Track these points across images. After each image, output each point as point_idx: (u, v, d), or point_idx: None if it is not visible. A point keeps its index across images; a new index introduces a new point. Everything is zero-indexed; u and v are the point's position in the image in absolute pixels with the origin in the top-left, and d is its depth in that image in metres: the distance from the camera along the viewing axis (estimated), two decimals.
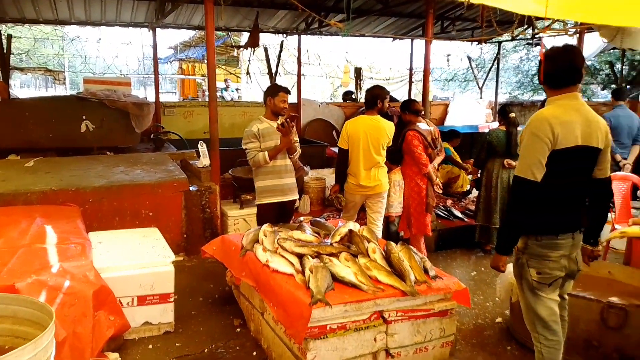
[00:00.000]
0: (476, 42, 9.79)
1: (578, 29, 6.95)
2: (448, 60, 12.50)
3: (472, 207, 5.96)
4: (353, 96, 12.45)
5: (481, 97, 12.60)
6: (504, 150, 5.04)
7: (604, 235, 4.97)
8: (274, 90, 4.26)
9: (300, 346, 2.75)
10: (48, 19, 8.21)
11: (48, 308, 2.41)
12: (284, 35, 9.60)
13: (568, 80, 2.46)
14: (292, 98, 8.96)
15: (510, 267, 2.76)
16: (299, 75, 10.15)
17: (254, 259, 3.30)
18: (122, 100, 6.61)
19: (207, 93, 5.35)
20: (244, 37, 11.35)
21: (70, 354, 2.72)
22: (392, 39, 10.29)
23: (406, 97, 9.53)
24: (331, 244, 3.36)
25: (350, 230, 3.49)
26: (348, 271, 3.00)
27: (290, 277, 3.03)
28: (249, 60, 11.22)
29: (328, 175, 6.46)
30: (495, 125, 5.32)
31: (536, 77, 2.65)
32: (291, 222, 4.32)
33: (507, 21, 6.69)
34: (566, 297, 2.73)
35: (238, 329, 3.64)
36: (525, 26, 7.05)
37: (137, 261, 3.49)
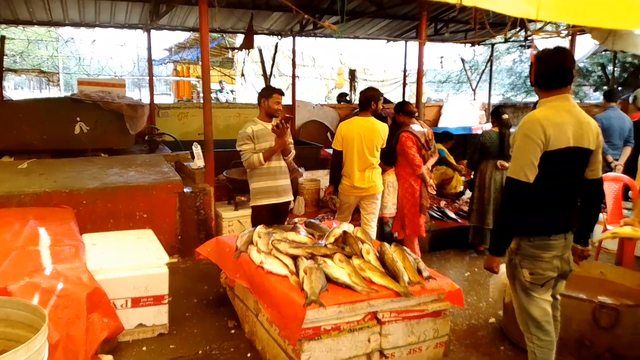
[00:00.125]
0: (469, 44, 9.84)
1: (570, 31, 7.01)
2: (441, 62, 12.55)
3: (466, 208, 5.99)
4: (347, 98, 12.47)
5: (474, 99, 12.66)
6: (496, 152, 5.07)
7: (596, 235, 5.03)
8: (268, 92, 4.27)
9: (294, 347, 2.75)
10: (42, 20, 8.18)
11: (41, 310, 2.40)
12: (279, 37, 9.62)
13: (559, 82, 2.48)
14: (287, 99, 9.00)
15: (503, 268, 2.78)
16: (294, 76, 10.16)
17: (248, 261, 3.30)
18: (116, 102, 6.60)
19: (201, 95, 5.35)
20: (239, 38, 11.35)
21: (64, 357, 2.71)
22: (386, 40, 10.33)
23: (400, 99, 9.57)
24: (325, 245, 3.36)
25: (345, 232, 3.50)
26: (342, 272, 3.01)
27: (285, 278, 3.04)
28: (244, 62, 11.23)
29: (323, 177, 6.47)
30: (489, 126, 5.35)
31: (529, 79, 2.66)
32: (286, 223, 4.32)
33: (500, 23, 6.74)
34: (559, 297, 2.75)
35: (232, 331, 3.64)
36: (518, 28, 7.10)
37: (131, 263, 3.47)
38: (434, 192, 4.92)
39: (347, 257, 3.19)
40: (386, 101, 9.80)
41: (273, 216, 4.30)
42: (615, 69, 13.05)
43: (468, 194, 6.42)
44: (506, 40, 10.15)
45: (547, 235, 2.51)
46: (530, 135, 2.39)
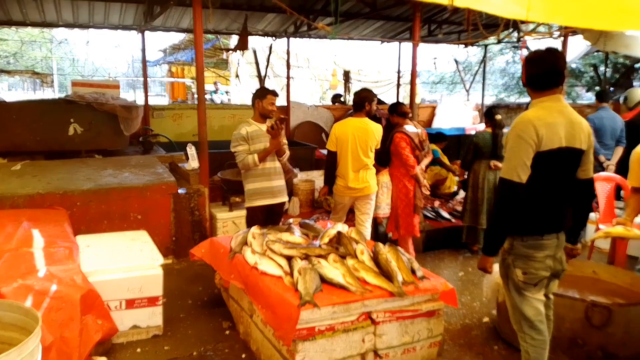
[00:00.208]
0: (463, 45, 9.89)
1: (562, 32, 7.06)
2: (435, 63, 12.61)
3: (460, 208, 6.01)
4: (342, 99, 12.50)
5: (468, 100, 12.72)
6: (490, 152, 5.10)
7: (589, 235, 5.07)
8: (262, 93, 4.27)
9: (288, 348, 2.76)
10: (35, 21, 8.14)
11: (34, 312, 2.39)
12: (273, 38, 9.63)
13: (551, 83, 2.50)
14: (282, 100, 9.01)
15: (496, 268, 2.80)
16: (288, 77, 10.17)
17: (242, 262, 3.31)
18: (110, 103, 6.58)
19: (196, 96, 5.35)
20: (233, 39, 11.34)
21: (58, 359, 2.70)
22: (380, 42, 10.36)
23: (394, 100, 9.59)
24: (320, 246, 3.37)
25: (339, 232, 3.51)
26: (336, 273, 3.02)
27: (279, 279, 3.04)
28: (238, 63, 11.23)
29: (317, 177, 6.48)
30: (482, 127, 5.38)
31: (521, 80, 2.69)
32: (280, 224, 4.33)
33: (493, 24, 6.78)
34: (551, 296, 2.77)
35: (227, 332, 3.64)
36: (511, 29, 7.14)
37: (125, 264, 3.47)
38: (428, 193, 4.94)
39: (342, 257, 3.20)
40: (380, 102, 9.84)
41: (268, 217, 4.31)
42: (607, 69, 13.16)
43: (462, 194, 6.45)
44: (499, 42, 10.19)
45: (540, 235, 2.53)
46: (523, 136, 2.41)
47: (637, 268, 4.06)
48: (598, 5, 3.01)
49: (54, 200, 4.40)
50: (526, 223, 2.52)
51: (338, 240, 3.44)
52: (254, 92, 4.40)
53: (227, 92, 14.53)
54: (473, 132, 7.42)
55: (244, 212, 4.53)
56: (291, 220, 4.01)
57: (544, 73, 2.50)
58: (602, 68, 13.47)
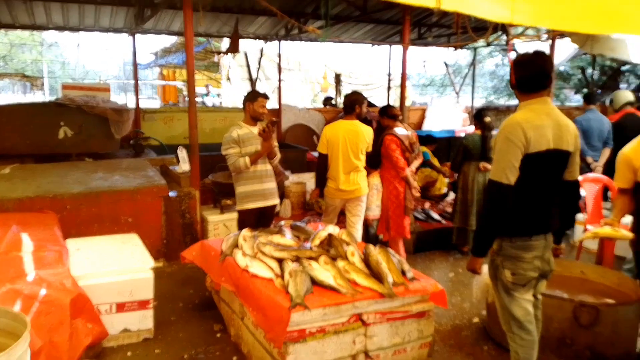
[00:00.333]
0: (452, 48, 9.96)
1: (550, 35, 7.14)
2: (424, 66, 12.70)
3: (450, 210, 6.05)
4: (333, 101, 12.53)
5: (458, 102, 12.80)
6: (479, 154, 5.14)
7: (577, 235, 5.12)
8: (253, 96, 4.29)
9: (279, 350, 2.77)
10: (25, 24, 8.09)
11: (22, 317, 2.38)
12: (264, 41, 9.64)
13: (538, 85, 2.53)
14: (273, 103, 9.01)
15: (486, 269, 2.82)
16: (280, 80, 10.18)
17: (233, 264, 3.31)
18: (101, 106, 6.54)
19: (187, 99, 5.34)
20: (225, 42, 11.34)
21: None
22: (370, 44, 10.41)
23: (385, 102, 9.63)
24: (311, 248, 3.38)
25: (330, 234, 3.52)
26: (327, 274, 3.03)
27: (270, 281, 3.05)
28: (229, 66, 11.21)
29: (309, 180, 6.49)
30: (472, 129, 5.42)
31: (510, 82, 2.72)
32: (272, 226, 4.34)
33: (481, 27, 6.83)
34: (539, 297, 2.79)
35: (218, 334, 3.64)
36: (500, 33, 7.20)
37: (115, 268, 3.46)
38: (419, 195, 4.97)
39: (332, 259, 3.21)
40: (371, 105, 9.88)
41: (259, 219, 4.31)
42: (595, 72, 13.32)
43: (452, 195, 6.49)
44: (488, 44, 10.29)
45: (528, 236, 2.55)
46: (511, 138, 2.43)
47: (624, 268, 4.11)
48: (583, 9, 3.05)
49: (44, 203, 4.37)
50: (514, 224, 2.54)
51: (329, 242, 3.45)
52: (245, 95, 4.42)
53: (218, 95, 14.51)
54: (463, 135, 7.48)
55: (235, 215, 4.53)
56: (282, 222, 4.02)
57: (531, 76, 2.53)
58: (589, 70, 13.63)
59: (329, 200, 4.59)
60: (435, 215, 5.99)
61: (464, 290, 4.49)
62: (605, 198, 5.29)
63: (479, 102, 14.44)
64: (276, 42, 9.63)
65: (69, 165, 5.80)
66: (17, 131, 6.24)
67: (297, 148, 8.41)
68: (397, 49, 10.05)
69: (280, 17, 5.14)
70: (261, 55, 10.32)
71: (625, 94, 6.22)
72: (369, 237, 4.91)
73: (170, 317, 3.87)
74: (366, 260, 3.21)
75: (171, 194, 5.02)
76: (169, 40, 13.07)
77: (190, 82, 5.11)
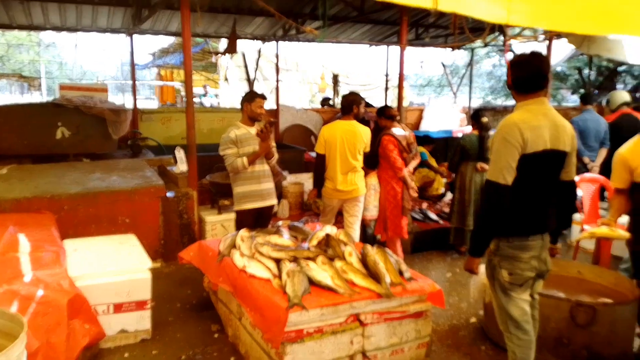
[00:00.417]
0: (450, 49, 9.98)
1: (547, 36, 7.16)
2: (421, 66, 12.71)
3: (448, 210, 6.05)
4: (331, 102, 12.54)
5: (455, 102, 12.82)
6: (476, 154, 5.15)
7: (574, 235, 5.13)
8: (251, 96, 4.29)
9: (277, 350, 2.76)
10: (22, 24, 8.08)
11: (19, 318, 2.38)
12: (262, 41, 9.64)
13: (535, 86, 2.54)
14: (271, 104, 9.01)
15: (483, 269, 2.83)
16: (277, 81, 10.18)
17: (231, 265, 3.31)
18: (98, 107, 6.54)
19: (185, 99, 5.34)
20: (223, 43, 11.33)
21: None
22: (368, 45, 10.42)
23: (383, 103, 9.65)
24: (308, 248, 3.38)
25: (327, 234, 3.51)
26: (325, 275, 3.03)
27: (267, 281, 3.05)
28: (227, 67, 11.20)
29: (306, 180, 6.49)
30: (469, 129, 5.43)
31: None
32: (269, 227, 4.34)
33: (479, 28, 6.85)
34: (536, 296, 2.80)
35: (216, 335, 3.63)
36: (497, 33, 7.22)
37: (113, 268, 3.45)
38: (416, 195, 4.98)
39: (330, 259, 3.21)
40: (369, 105, 9.90)
41: (257, 220, 4.31)
42: (592, 72, 13.36)
43: (449, 196, 6.50)
44: (485, 45, 10.31)
45: (525, 236, 2.56)
46: (508, 139, 2.44)
47: (621, 268, 4.12)
48: (580, 10, 3.06)
49: (41, 204, 4.36)
50: (512, 224, 2.54)
51: (327, 242, 3.45)
52: (242, 95, 4.42)
53: (216, 96, 14.51)
54: (460, 135, 7.49)
55: (233, 215, 4.53)
56: (280, 222, 4.02)
57: (528, 76, 2.53)
58: (586, 71, 13.67)
59: (326, 201, 4.60)
60: (433, 216, 6.00)
61: (461, 290, 4.49)
62: (602, 198, 5.30)
63: (476, 103, 14.46)
64: (274, 42, 9.63)
65: (67, 166, 5.79)
66: (15, 132, 6.22)
67: (295, 148, 8.41)
68: (395, 49, 10.07)
69: (278, 17, 5.15)
70: (259, 56, 10.32)
71: (622, 95, 6.25)
72: (367, 237, 4.91)
73: (168, 318, 3.87)
74: (364, 260, 3.21)
75: (169, 194, 5.01)
76: (166, 41, 13.05)
77: (187, 83, 5.11)
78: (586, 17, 3.09)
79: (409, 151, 4.77)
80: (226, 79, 12.09)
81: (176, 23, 8.14)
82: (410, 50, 11.12)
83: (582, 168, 5.67)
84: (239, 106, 4.39)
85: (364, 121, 4.73)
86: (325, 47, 11.81)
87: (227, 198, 5.19)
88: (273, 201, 4.43)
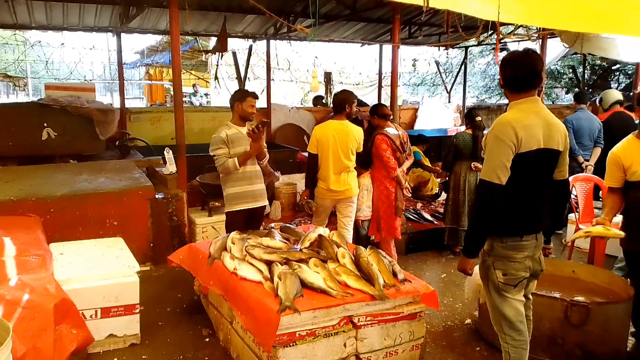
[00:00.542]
0: (443, 47, 9.96)
1: (540, 35, 7.15)
2: (414, 65, 12.68)
3: (442, 210, 6.03)
4: (323, 101, 12.47)
5: (449, 101, 12.81)
6: (470, 153, 5.13)
7: (569, 235, 5.12)
8: (242, 95, 4.21)
9: (269, 354, 2.72)
10: (6, 23, 7.94)
11: (4, 323, 2.32)
12: (253, 40, 9.56)
13: (528, 85, 2.51)
14: (262, 103, 8.94)
15: (477, 269, 2.80)
16: (269, 80, 10.11)
17: (222, 267, 3.25)
18: (85, 107, 6.44)
19: None
20: (212, 41, 11.23)
21: None
22: (360, 44, 10.37)
23: (376, 102, 9.61)
24: (301, 250, 3.34)
25: (320, 235, 3.48)
26: (317, 277, 2.99)
27: (259, 284, 3.00)
28: (217, 65, 11.10)
29: (299, 180, 6.43)
30: (464, 129, 5.42)
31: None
32: (261, 228, 4.28)
33: (472, 27, 6.82)
34: (530, 297, 2.79)
35: (207, 339, 3.58)
36: (490, 32, 7.20)
37: (100, 272, 3.39)
38: (409, 195, 4.95)
39: (323, 261, 3.17)
40: (362, 104, 9.85)
41: (248, 221, 4.25)
42: (586, 71, 13.40)
43: (444, 195, 6.48)
44: (479, 44, 10.31)
45: (519, 236, 2.53)
46: (502, 138, 2.41)
47: (616, 267, 4.11)
48: (571, 8, 3.04)
49: (27, 206, 4.28)
50: (506, 224, 2.52)
51: (319, 243, 3.41)
52: (233, 94, 4.34)
53: (206, 95, 14.40)
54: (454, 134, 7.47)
55: (223, 217, 4.46)
56: (272, 224, 3.97)
57: (521, 75, 2.51)
58: (580, 70, 13.72)
59: (319, 201, 4.55)
60: (427, 216, 5.97)
61: (456, 291, 4.47)
62: (596, 197, 5.30)
63: (470, 102, 14.47)
64: (265, 41, 9.56)
65: (53, 167, 5.71)
66: (0, 133, 6.12)
67: (287, 148, 8.35)
68: (388, 48, 10.03)
69: (268, 16, 5.07)
70: (250, 54, 10.23)
71: (614, 93, 6.26)
72: (360, 238, 4.87)
73: (158, 322, 3.80)
74: (357, 261, 3.18)
75: (158, 196, 4.94)
76: (155, 39, 12.94)
77: (176, 82, 5.03)
78: (577, 15, 3.08)
79: (402, 151, 4.74)
80: (217, 78, 11.99)
81: (165, 21, 8.04)
82: (404, 48, 11.10)
83: (577, 167, 5.66)
84: (229, 105, 4.32)
85: (357, 120, 4.69)
86: (318, 45, 11.75)
87: (218, 199, 5.12)
88: (264, 202, 4.37)
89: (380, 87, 11.21)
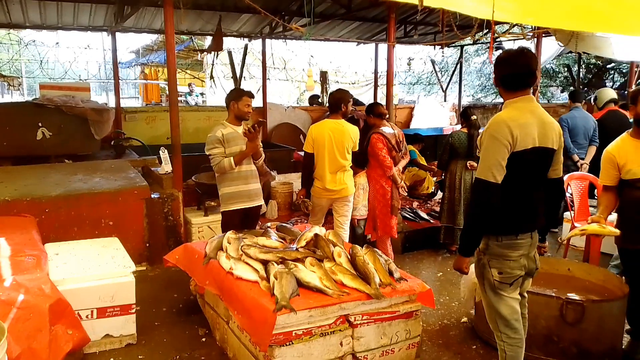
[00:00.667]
0: (439, 46, 9.97)
1: (535, 33, 7.17)
2: (409, 64, 12.69)
3: (438, 209, 6.04)
4: (319, 100, 12.47)
5: (445, 100, 12.83)
6: (465, 152, 5.13)
7: (564, 233, 5.14)
8: (238, 95, 4.20)
9: (265, 353, 2.72)
10: (0, 23, 7.89)
11: None
12: (248, 39, 9.54)
13: (523, 83, 2.52)
14: (258, 102, 8.93)
15: (473, 268, 2.80)
16: (264, 79, 10.09)
17: (217, 267, 3.25)
18: (80, 106, 6.41)
19: None
20: (208, 40, 11.21)
21: None
22: (356, 43, 10.37)
23: (372, 101, 9.61)
24: (296, 249, 3.33)
25: (316, 235, 3.47)
26: (313, 276, 2.99)
27: (255, 284, 3.00)
28: (213, 64, 11.07)
29: (295, 180, 6.43)
30: (459, 127, 5.43)
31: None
32: (257, 227, 4.28)
33: (467, 26, 6.83)
34: (526, 295, 2.80)
35: (203, 339, 3.57)
36: (486, 31, 7.22)
37: (96, 272, 3.38)
38: (405, 194, 4.95)
39: (319, 260, 3.17)
40: (358, 103, 9.85)
41: (244, 221, 4.24)
42: (581, 70, 13.45)
43: (440, 194, 6.48)
44: (474, 43, 10.32)
45: (515, 235, 2.54)
46: (497, 137, 2.41)
47: (611, 264, 4.13)
48: (565, 7, 3.05)
49: (22, 207, 4.27)
50: (501, 223, 2.52)
51: (315, 243, 3.41)
52: (229, 93, 4.33)
53: (202, 94, 14.35)
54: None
55: (219, 217, 4.45)
56: (268, 224, 3.96)
57: (515, 73, 2.51)
58: (575, 68, 13.75)
59: (315, 200, 4.54)
60: (424, 215, 5.98)
61: (452, 290, 4.47)
62: (591, 195, 5.32)
63: (466, 100, 14.49)
64: (260, 40, 9.54)
65: (48, 167, 5.69)
66: None
67: (284, 147, 8.34)
68: (384, 47, 10.03)
69: (264, 15, 5.06)
70: (245, 54, 10.21)
71: (608, 92, 6.28)
72: (356, 237, 4.87)
73: (154, 322, 3.79)
74: (353, 260, 3.17)
75: (153, 196, 4.93)
76: (150, 39, 12.88)
77: (171, 81, 5.02)
78: (571, 14, 3.09)
79: (398, 150, 4.74)
80: (212, 77, 11.97)
81: (160, 20, 8.00)
82: (400, 47, 11.11)
83: (572, 166, 5.68)
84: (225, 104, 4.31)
85: (353, 120, 4.69)
86: (314, 44, 11.74)
87: (214, 199, 5.11)
88: (260, 201, 4.37)
89: (376, 86, 11.21)
